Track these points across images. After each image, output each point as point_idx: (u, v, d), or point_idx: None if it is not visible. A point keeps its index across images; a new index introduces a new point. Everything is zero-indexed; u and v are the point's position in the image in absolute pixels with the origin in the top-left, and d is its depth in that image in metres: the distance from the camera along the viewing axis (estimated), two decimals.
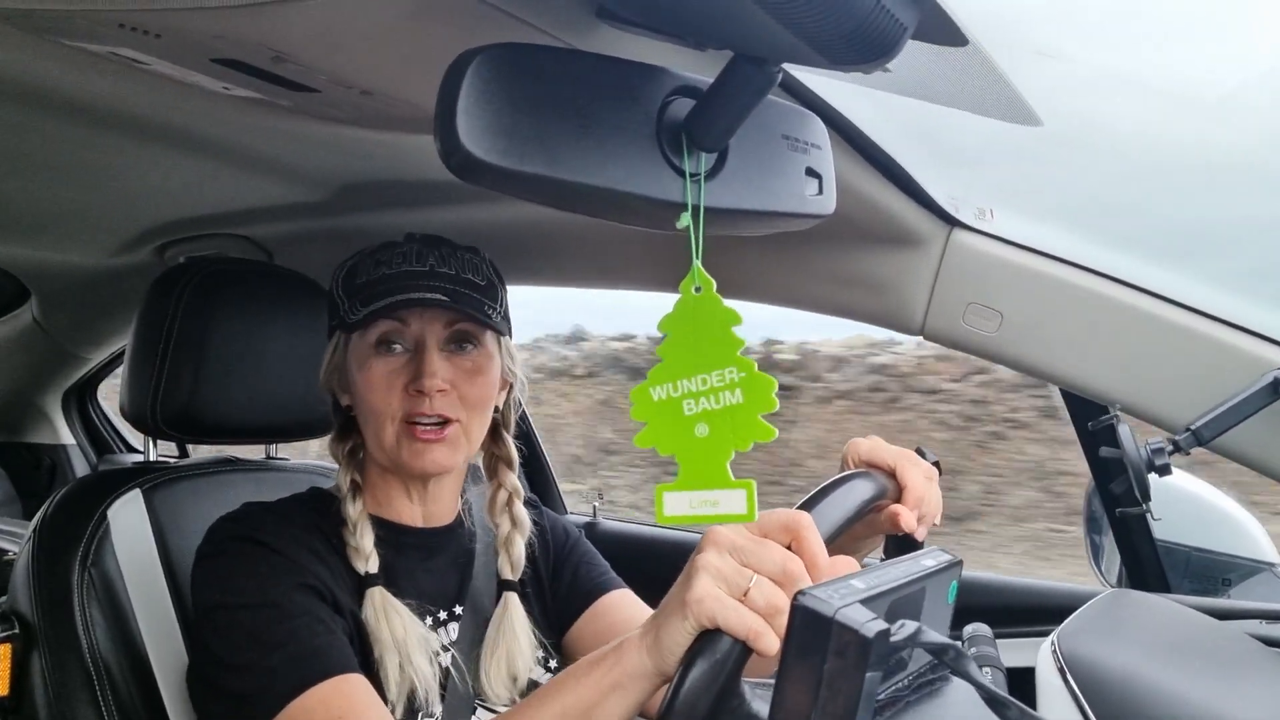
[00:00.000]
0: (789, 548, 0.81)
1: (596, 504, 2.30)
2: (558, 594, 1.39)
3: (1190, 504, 1.65)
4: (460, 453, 1.23)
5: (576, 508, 2.43)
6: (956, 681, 0.77)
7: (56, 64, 1.01)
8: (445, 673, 1.21)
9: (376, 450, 1.23)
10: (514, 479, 1.37)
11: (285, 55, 0.88)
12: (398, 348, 1.21)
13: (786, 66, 0.71)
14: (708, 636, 0.76)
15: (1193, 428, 1.25)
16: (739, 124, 0.74)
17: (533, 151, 0.67)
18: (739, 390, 0.74)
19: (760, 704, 0.75)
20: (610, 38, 0.81)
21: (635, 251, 1.63)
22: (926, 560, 0.77)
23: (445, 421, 1.21)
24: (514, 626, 1.28)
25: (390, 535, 1.25)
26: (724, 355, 0.74)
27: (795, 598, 0.60)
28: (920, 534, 1.04)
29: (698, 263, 0.74)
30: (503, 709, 1.24)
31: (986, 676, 0.65)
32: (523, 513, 1.36)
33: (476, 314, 1.20)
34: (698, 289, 0.75)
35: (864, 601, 0.62)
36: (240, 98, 1.07)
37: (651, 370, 0.77)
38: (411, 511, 1.29)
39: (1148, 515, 1.41)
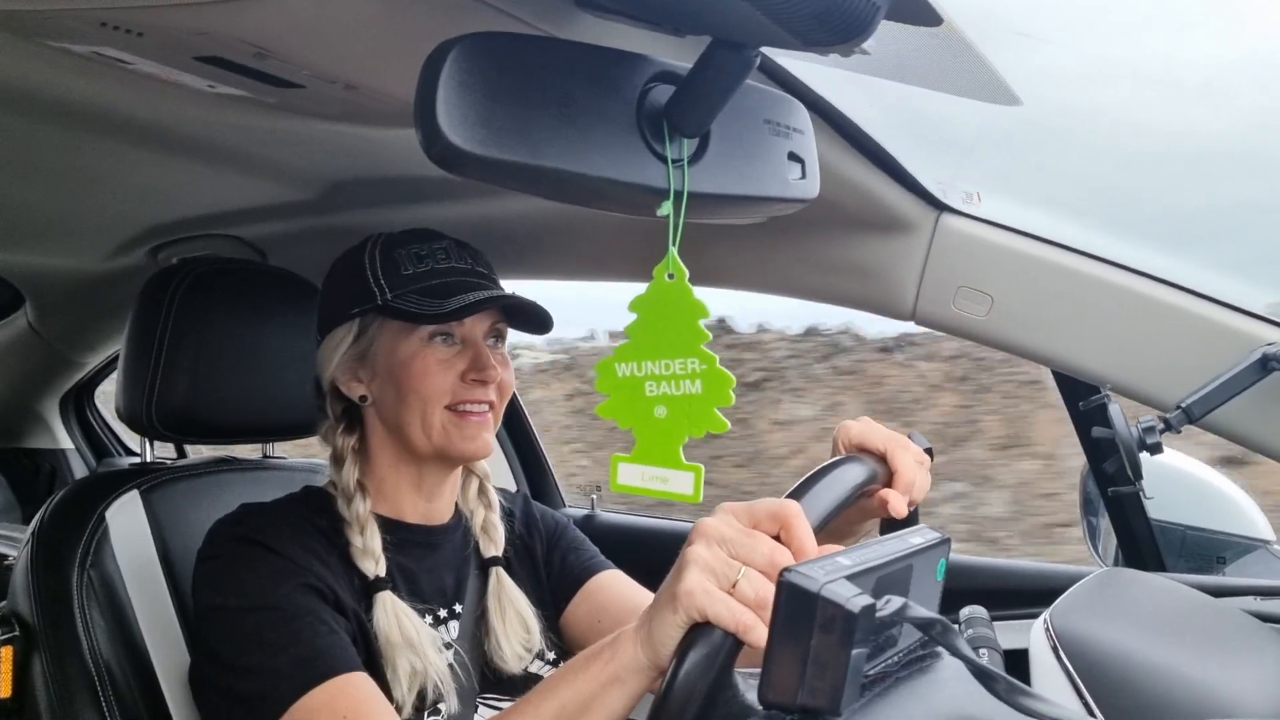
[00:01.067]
0: (778, 537, 0.82)
1: (594, 497, 2.30)
2: (551, 577, 1.40)
3: (1184, 482, 1.65)
4: (493, 437, 1.29)
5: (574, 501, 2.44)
6: (947, 659, 0.77)
7: (41, 67, 1.02)
8: (450, 669, 1.22)
9: (418, 438, 1.23)
10: (483, 465, 1.40)
11: (267, 51, 0.89)
12: (450, 338, 1.24)
13: (767, 51, 0.72)
14: (699, 629, 0.77)
15: (1183, 405, 1.25)
16: (719, 109, 0.74)
17: (514, 140, 0.67)
18: (699, 381, 0.77)
19: (753, 694, 0.75)
20: (589, 25, 0.81)
21: (626, 242, 1.63)
22: (914, 538, 0.78)
23: (490, 406, 1.26)
24: (511, 594, 1.31)
25: (390, 532, 1.25)
26: (688, 345, 0.76)
27: (781, 574, 0.61)
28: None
29: (673, 249, 0.75)
30: (504, 702, 1.24)
31: (978, 653, 0.66)
32: (493, 493, 1.39)
33: (542, 311, 1.26)
34: (671, 276, 0.76)
35: (850, 578, 0.62)
36: (226, 96, 1.07)
37: (618, 347, 0.78)
38: (414, 508, 1.30)
39: (1141, 494, 1.41)
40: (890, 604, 0.62)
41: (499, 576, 1.32)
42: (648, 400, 0.78)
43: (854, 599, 0.59)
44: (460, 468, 1.35)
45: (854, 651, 0.59)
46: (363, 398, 1.27)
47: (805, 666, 0.59)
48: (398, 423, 1.24)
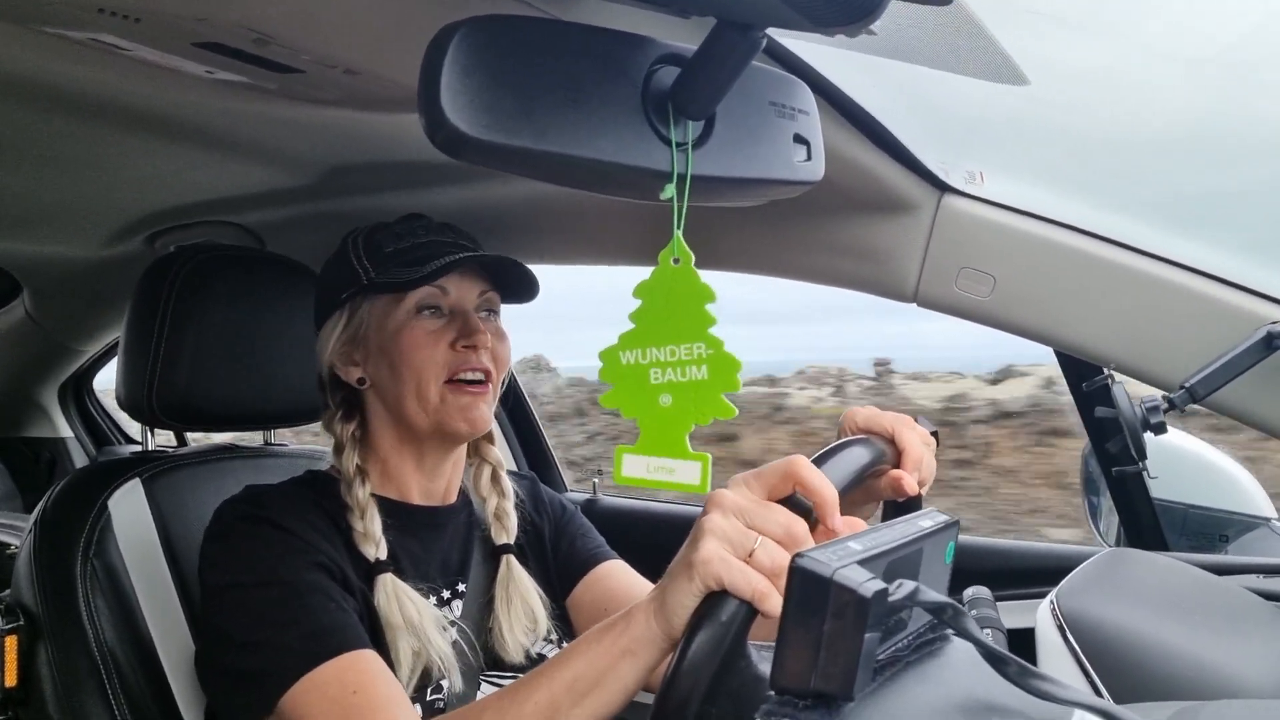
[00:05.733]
0: (794, 494, 0.83)
1: (596, 480, 2.31)
2: (557, 560, 1.41)
3: (1186, 461, 1.66)
4: (491, 412, 1.28)
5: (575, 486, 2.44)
6: (957, 642, 0.77)
7: (38, 53, 1.01)
8: (455, 647, 1.22)
9: (415, 414, 1.24)
10: (495, 452, 1.40)
11: (267, 36, 0.88)
12: (438, 310, 1.25)
13: (772, 32, 0.71)
14: (714, 598, 0.77)
15: (1187, 385, 1.25)
16: (725, 91, 0.73)
17: (518, 125, 0.66)
18: (705, 366, 0.75)
19: (766, 666, 0.75)
20: (593, 7, 0.81)
21: (630, 226, 1.62)
22: (923, 521, 0.77)
23: (485, 378, 1.25)
24: (522, 582, 1.31)
25: (394, 514, 1.26)
26: (694, 330, 0.75)
27: (793, 559, 0.61)
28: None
29: (678, 233, 0.74)
30: (507, 678, 1.25)
31: (986, 635, 0.66)
32: (507, 482, 1.39)
33: (520, 262, 1.26)
34: (676, 260, 0.75)
35: (862, 562, 0.62)
36: (225, 82, 1.06)
37: (622, 335, 0.77)
38: (418, 489, 1.30)
39: (1144, 474, 1.41)
40: (902, 588, 0.62)
41: (509, 564, 1.32)
42: (652, 388, 0.77)
43: (866, 584, 0.59)
44: (463, 447, 1.35)
45: (866, 636, 0.59)
46: (360, 380, 1.28)
47: (818, 652, 0.59)
48: (396, 400, 1.25)
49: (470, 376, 1.24)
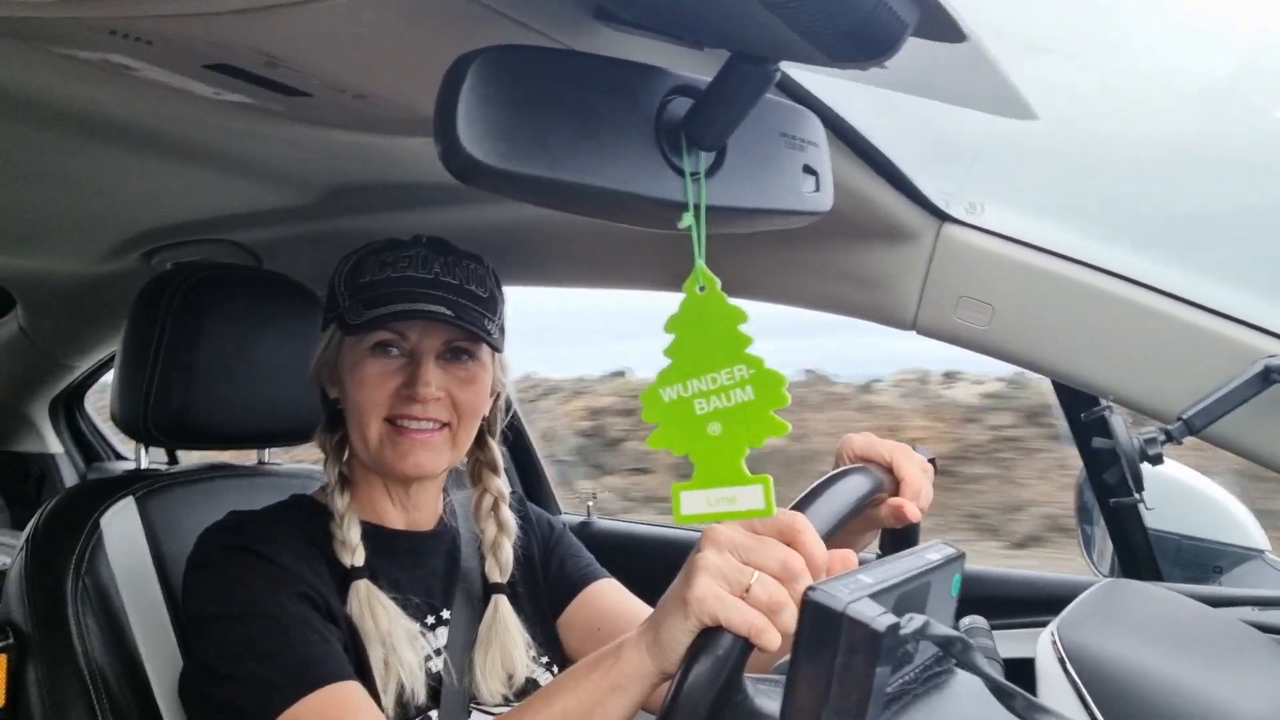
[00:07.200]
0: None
1: (590, 504, 2.30)
2: (548, 580, 1.40)
3: (1181, 492, 1.66)
4: (444, 458, 1.24)
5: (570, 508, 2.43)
6: (962, 673, 0.77)
7: (45, 71, 1.00)
8: (438, 677, 1.21)
9: (360, 448, 1.24)
10: (498, 483, 1.38)
11: (279, 60, 0.88)
12: (394, 351, 1.23)
13: (782, 64, 0.71)
14: (709, 634, 0.77)
15: (1184, 417, 1.26)
16: (737, 123, 0.74)
17: (533, 153, 0.67)
18: (750, 387, 0.73)
19: (763, 699, 0.75)
20: (608, 38, 0.81)
21: (634, 251, 1.63)
22: (930, 554, 0.77)
23: (437, 425, 1.22)
24: (506, 626, 1.28)
25: (375, 538, 1.25)
26: (732, 353, 0.74)
27: (805, 593, 0.61)
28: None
29: (700, 261, 0.74)
30: (498, 710, 1.24)
31: (993, 668, 0.66)
32: (509, 516, 1.36)
33: (478, 330, 1.21)
34: (701, 288, 0.75)
35: (873, 596, 0.62)
36: (231, 103, 1.06)
37: (660, 372, 0.76)
38: (394, 515, 1.29)
39: (1140, 505, 1.42)
40: (912, 622, 0.62)
41: (497, 606, 1.30)
42: (699, 419, 0.75)
43: (879, 618, 0.59)
44: (444, 479, 1.34)
45: (878, 669, 0.59)
46: (336, 400, 1.29)
47: (830, 685, 0.59)
48: (351, 430, 1.25)
49: (412, 424, 1.21)
